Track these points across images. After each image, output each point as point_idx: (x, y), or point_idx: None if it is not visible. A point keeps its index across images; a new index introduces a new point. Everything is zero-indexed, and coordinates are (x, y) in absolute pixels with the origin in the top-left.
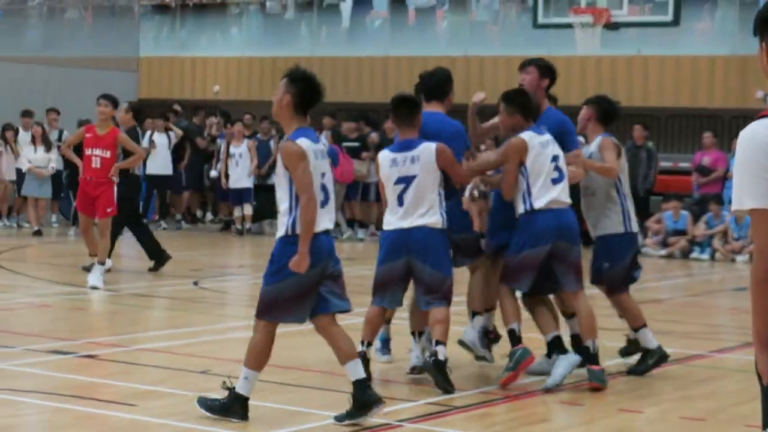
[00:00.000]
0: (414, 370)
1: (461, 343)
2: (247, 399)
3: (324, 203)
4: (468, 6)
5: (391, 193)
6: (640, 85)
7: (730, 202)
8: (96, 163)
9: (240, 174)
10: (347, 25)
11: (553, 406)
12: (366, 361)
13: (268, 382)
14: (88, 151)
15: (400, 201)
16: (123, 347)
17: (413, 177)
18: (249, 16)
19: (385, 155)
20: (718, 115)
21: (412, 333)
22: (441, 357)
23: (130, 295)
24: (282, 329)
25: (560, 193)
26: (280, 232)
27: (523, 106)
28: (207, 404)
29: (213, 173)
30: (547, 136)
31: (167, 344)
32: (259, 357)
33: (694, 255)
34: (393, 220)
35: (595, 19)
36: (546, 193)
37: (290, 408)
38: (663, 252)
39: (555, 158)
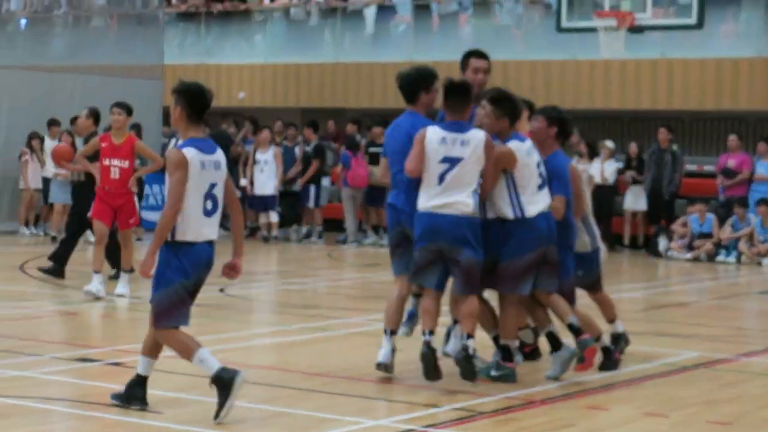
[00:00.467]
0: (379, 366)
1: (446, 354)
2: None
3: (210, 213)
4: (492, 10)
5: (433, 169)
6: (664, 88)
7: (756, 204)
8: (115, 174)
9: (265, 181)
10: (371, 30)
11: (578, 410)
12: (432, 351)
13: (295, 388)
14: (105, 162)
15: (441, 180)
16: None
17: (459, 159)
18: (273, 23)
19: (435, 131)
20: (743, 117)
21: (385, 331)
22: (471, 351)
23: None
24: (308, 336)
25: (546, 198)
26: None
27: (512, 113)
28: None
29: (243, 181)
30: (528, 143)
31: None
32: (188, 350)
33: (720, 258)
34: (429, 199)
35: (618, 23)
36: (535, 200)
37: (317, 414)
38: (689, 255)
39: (538, 164)
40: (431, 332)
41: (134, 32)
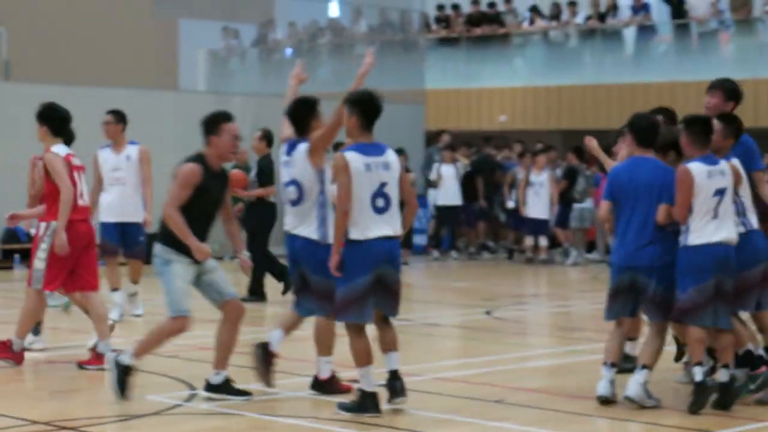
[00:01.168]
0: (600, 399)
1: (628, 399)
2: (375, 394)
3: (383, 210)
4: (755, 27)
5: (706, 204)
6: None
7: None
8: None
9: (539, 204)
10: (631, 51)
11: None
12: (706, 383)
13: (563, 411)
14: None
15: (716, 213)
16: (417, 376)
17: (725, 189)
18: (532, 46)
19: (699, 167)
20: None
21: (605, 363)
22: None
23: (423, 324)
24: (576, 359)
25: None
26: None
27: (737, 134)
28: (345, 407)
29: (510, 203)
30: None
31: (461, 373)
32: (360, 356)
33: None
34: (710, 233)
35: None
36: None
37: (509, 426)
38: None
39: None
40: (701, 363)
41: (396, 58)
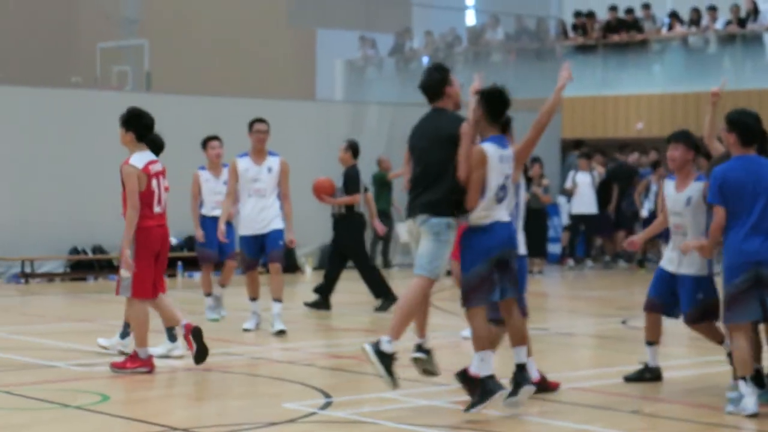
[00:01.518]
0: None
1: None
2: (492, 375)
3: (502, 200)
4: None
5: None
6: None
7: None
8: None
9: None
10: None
11: None
12: None
13: (702, 423)
14: None
15: None
16: None
17: None
18: (671, 52)
19: None
20: None
21: (743, 378)
22: None
23: (558, 333)
24: (717, 369)
25: None
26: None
27: None
28: (472, 404)
29: (644, 212)
30: None
31: (596, 383)
32: (481, 340)
33: None
34: None
35: None
36: None
37: None
38: None
39: None
40: None
41: (532, 66)
